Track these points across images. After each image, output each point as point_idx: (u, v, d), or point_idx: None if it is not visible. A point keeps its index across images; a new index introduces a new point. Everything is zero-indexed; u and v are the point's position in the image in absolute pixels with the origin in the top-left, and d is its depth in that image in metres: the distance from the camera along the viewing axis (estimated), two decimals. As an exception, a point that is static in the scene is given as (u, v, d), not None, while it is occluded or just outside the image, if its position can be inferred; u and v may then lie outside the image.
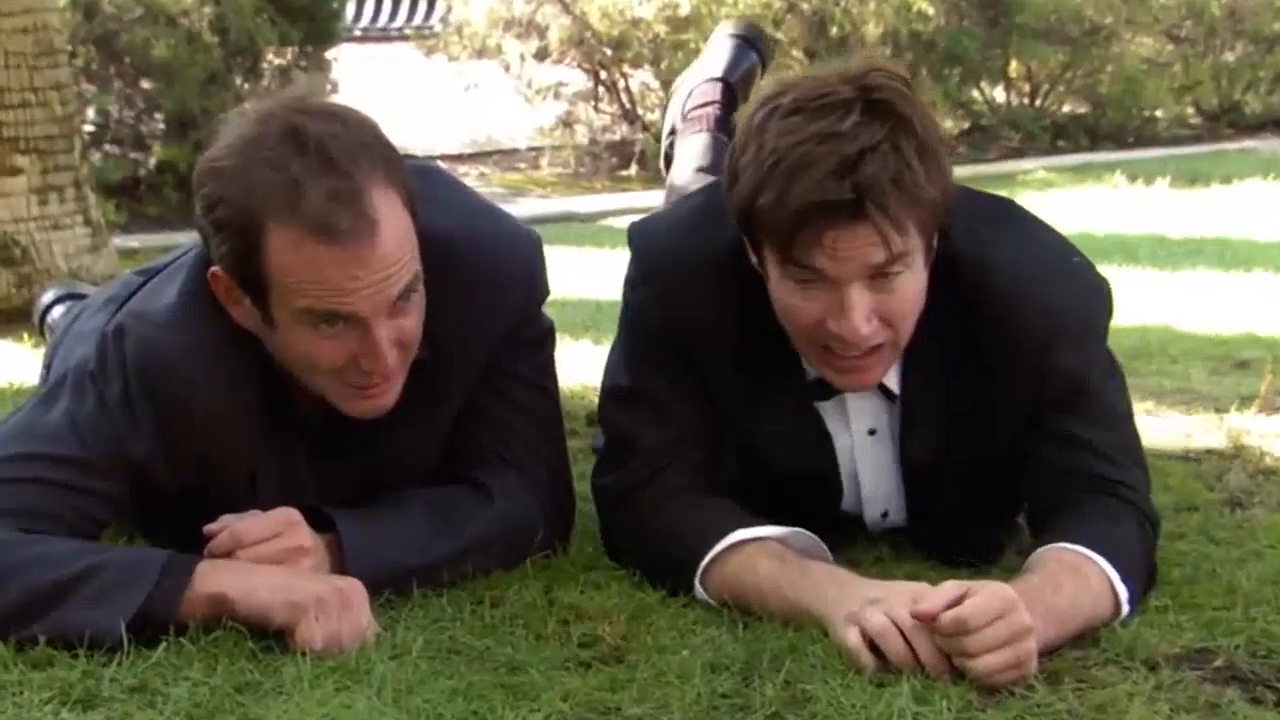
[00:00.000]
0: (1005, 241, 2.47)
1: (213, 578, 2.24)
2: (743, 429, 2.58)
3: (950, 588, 2.16)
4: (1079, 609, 2.30)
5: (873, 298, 2.33)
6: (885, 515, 2.68)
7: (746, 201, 2.32)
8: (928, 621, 2.13)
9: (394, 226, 2.24)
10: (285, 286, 2.24)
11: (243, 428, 2.40)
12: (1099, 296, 2.52)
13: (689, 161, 3.76)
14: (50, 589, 2.21)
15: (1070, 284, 2.49)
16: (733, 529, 2.40)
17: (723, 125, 3.81)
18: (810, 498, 2.63)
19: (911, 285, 2.36)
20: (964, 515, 2.60)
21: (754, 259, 2.42)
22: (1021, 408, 2.49)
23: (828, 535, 2.47)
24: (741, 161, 2.33)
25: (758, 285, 2.44)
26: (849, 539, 2.67)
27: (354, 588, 2.27)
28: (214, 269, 2.31)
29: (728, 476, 2.60)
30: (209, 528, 2.33)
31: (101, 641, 2.18)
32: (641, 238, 2.63)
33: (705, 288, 2.51)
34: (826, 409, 2.57)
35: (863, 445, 2.61)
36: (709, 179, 3.59)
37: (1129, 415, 2.59)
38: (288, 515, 2.36)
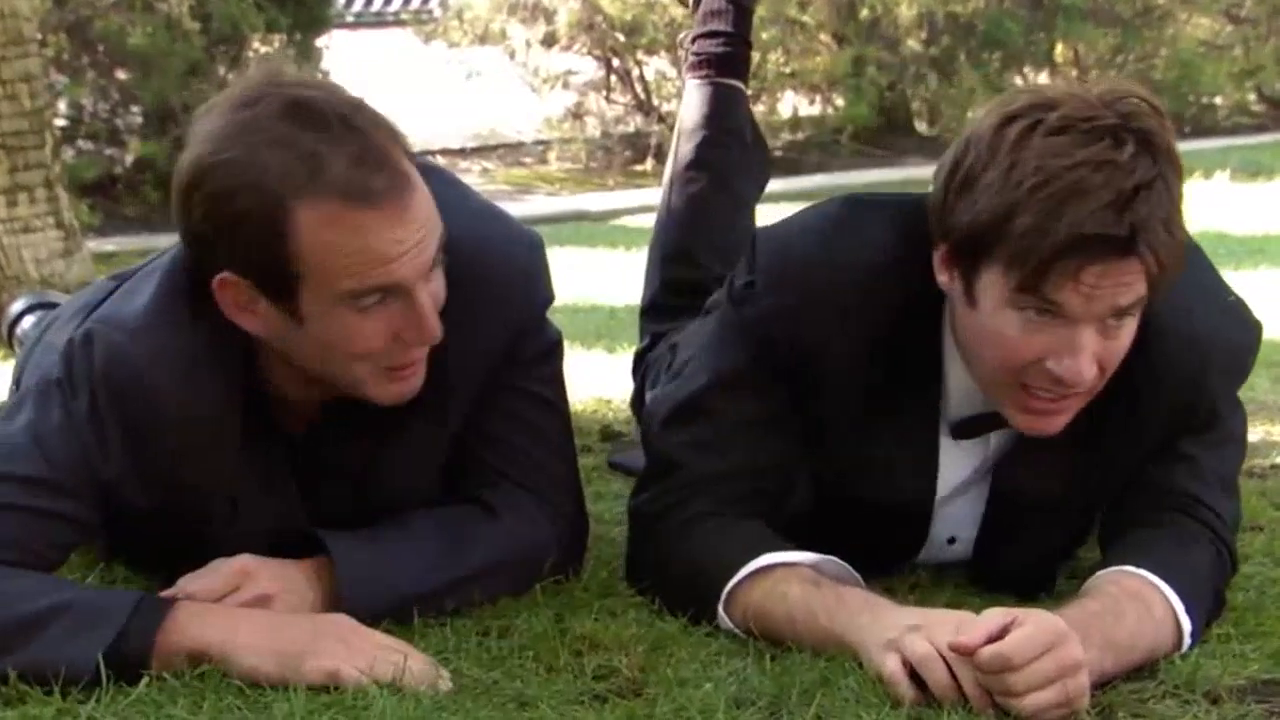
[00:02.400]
0: None
1: (192, 629, 2.23)
2: (842, 458, 2.57)
3: (995, 617, 2.16)
4: (1140, 640, 2.30)
5: (1099, 341, 2.32)
6: (952, 541, 2.67)
7: (988, 222, 2.28)
8: (967, 655, 2.13)
9: (420, 184, 2.26)
10: (323, 269, 2.23)
11: (220, 443, 2.39)
12: (1251, 335, 2.57)
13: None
14: (15, 628, 2.21)
15: (1224, 319, 2.52)
16: (762, 552, 2.40)
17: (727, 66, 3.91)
18: (893, 534, 2.65)
19: (1128, 333, 2.36)
20: (1044, 550, 2.60)
21: (948, 279, 2.39)
22: (1162, 437, 2.50)
23: (887, 571, 2.49)
24: (984, 177, 2.29)
25: (903, 309, 2.45)
26: (887, 568, 2.67)
27: (345, 623, 2.28)
28: (222, 276, 2.29)
29: (796, 508, 2.59)
30: (164, 594, 2.33)
31: (75, 677, 2.19)
32: (769, 245, 2.58)
33: (844, 308, 2.48)
34: (947, 445, 2.57)
35: (968, 482, 2.61)
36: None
37: (1240, 451, 2.63)
38: (242, 565, 2.36)
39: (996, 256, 2.29)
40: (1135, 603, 2.32)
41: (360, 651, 2.22)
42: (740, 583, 2.40)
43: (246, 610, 2.30)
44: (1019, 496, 2.58)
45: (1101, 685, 2.22)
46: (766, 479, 2.56)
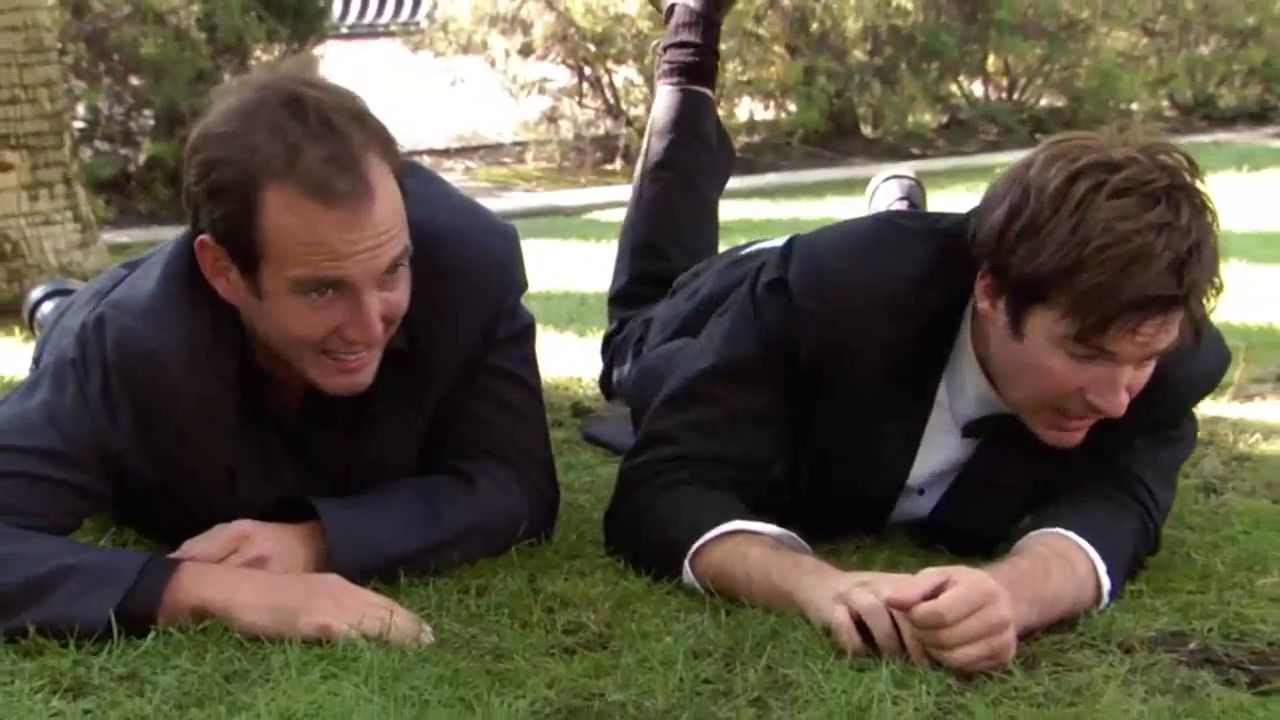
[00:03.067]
0: None
1: (196, 588, 2.24)
2: (827, 450, 2.57)
3: (930, 577, 2.16)
4: (1063, 596, 2.31)
5: (1134, 374, 2.34)
6: (921, 493, 2.66)
7: (1052, 272, 2.27)
8: (904, 610, 2.14)
9: (388, 195, 2.23)
10: (280, 252, 2.21)
11: (220, 421, 2.38)
12: (1225, 364, 2.60)
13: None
14: (22, 589, 2.21)
15: (1210, 350, 2.52)
16: (732, 519, 2.40)
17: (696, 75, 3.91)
18: (852, 515, 2.67)
19: (1148, 374, 2.38)
20: (993, 521, 2.60)
21: (989, 307, 2.38)
22: (1124, 437, 2.50)
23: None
24: (1049, 228, 2.27)
25: (922, 325, 2.45)
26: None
27: (337, 582, 2.28)
28: (202, 238, 2.28)
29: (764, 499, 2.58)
30: (169, 556, 2.33)
31: (89, 631, 2.18)
32: (809, 255, 2.54)
33: (871, 323, 2.46)
34: (940, 438, 2.57)
35: (939, 475, 2.62)
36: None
37: (1186, 449, 2.66)
38: (241, 529, 2.36)
39: (1055, 303, 2.29)
40: (1061, 562, 2.33)
41: (350, 609, 2.22)
42: (707, 543, 2.40)
43: (246, 570, 2.30)
44: (988, 479, 2.59)
45: (1026, 637, 2.23)
46: (750, 471, 2.55)
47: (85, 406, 2.33)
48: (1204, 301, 2.32)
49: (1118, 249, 2.23)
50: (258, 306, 2.30)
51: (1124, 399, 2.34)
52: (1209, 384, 2.61)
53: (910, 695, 2.05)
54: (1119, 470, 2.50)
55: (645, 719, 2.01)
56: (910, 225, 2.58)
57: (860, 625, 2.18)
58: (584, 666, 2.15)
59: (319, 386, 2.36)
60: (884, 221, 2.65)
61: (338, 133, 2.19)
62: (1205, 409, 3.55)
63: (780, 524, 2.41)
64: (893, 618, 2.16)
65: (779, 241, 2.73)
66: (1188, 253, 2.24)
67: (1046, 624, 2.28)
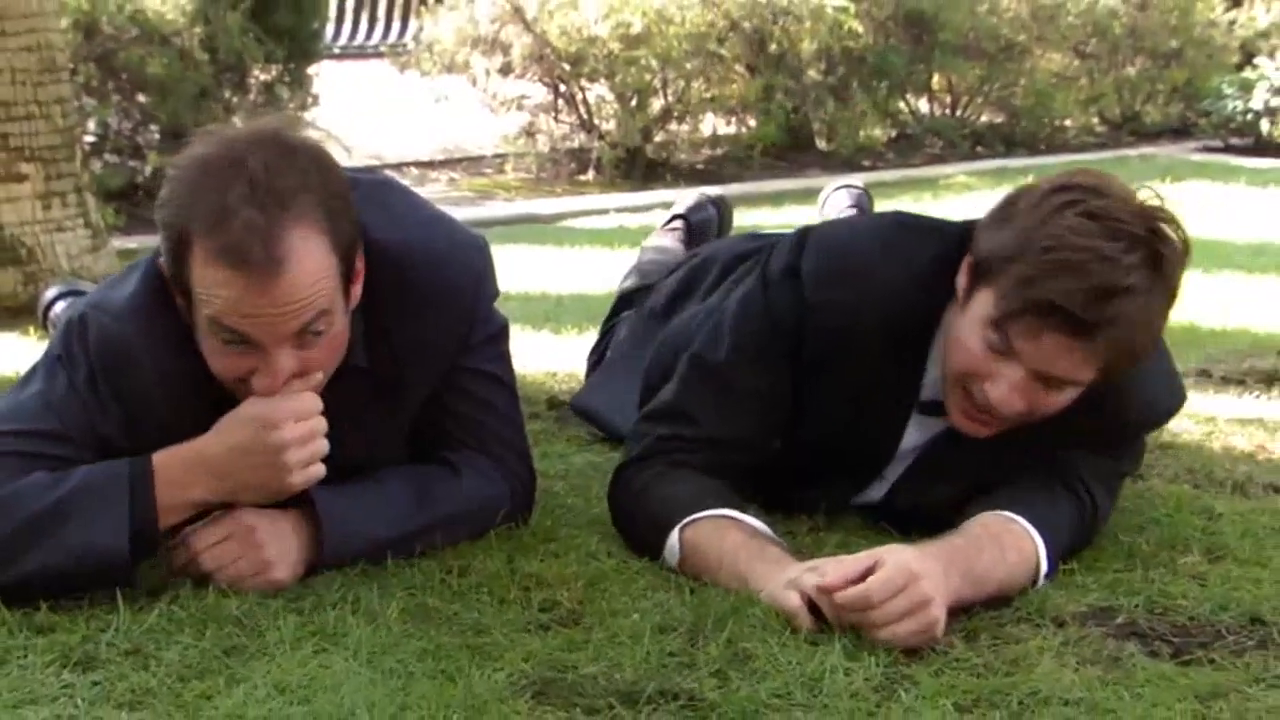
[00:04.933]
0: None
1: (187, 488, 2.28)
2: (825, 425, 2.56)
3: (859, 561, 2.16)
4: (994, 573, 2.31)
5: (1035, 390, 2.32)
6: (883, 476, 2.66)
7: (999, 255, 2.29)
8: (829, 595, 2.14)
9: (306, 268, 2.19)
10: (200, 296, 2.21)
11: (198, 409, 2.35)
12: (1178, 402, 2.59)
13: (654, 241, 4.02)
14: (25, 527, 2.21)
15: (1164, 390, 2.54)
16: (722, 506, 2.41)
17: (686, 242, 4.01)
18: (840, 480, 2.65)
19: (1065, 399, 2.35)
20: (939, 506, 2.57)
21: (964, 282, 2.38)
22: (1071, 446, 2.49)
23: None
24: (1018, 220, 2.29)
25: (919, 317, 2.44)
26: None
27: (259, 415, 2.27)
28: (160, 261, 2.30)
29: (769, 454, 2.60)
30: (170, 544, 2.33)
31: (109, 564, 2.21)
32: (825, 247, 2.53)
33: (879, 315, 2.45)
34: (917, 419, 2.56)
35: (903, 456, 2.60)
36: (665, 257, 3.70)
37: (1132, 466, 2.66)
38: (236, 517, 2.34)
39: (994, 284, 2.30)
40: (994, 542, 2.33)
41: (311, 447, 2.29)
42: (696, 520, 2.40)
43: (209, 451, 2.29)
44: (940, 463, 2.58)
45: (962, 611, 2.23)
46: (754, 450, 2.56)
47: (76, 396, 2.33)
48: (1119, 354, 2.27)
49: (1055, 254, 2.23)
50: (197, 333, 2.29)
51: (1010, 402, 2.32)
52: (1156, 421, 2.62)
53: (860, 667, 2.06)
54: (1062, 466, 2.48)
55: (614, 690, 2.01)
56: (918, 224, 2.58)
57: (812, 606, 2.18)
58: (558, 641, 2.15)
59: None
60: (893, 221, 2.63)
61: (264, 203, 2.16)
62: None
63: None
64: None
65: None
66: (1120, 291, 2.21)
67: (982, 599, 2.29)
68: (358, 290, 2.33)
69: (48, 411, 2.33)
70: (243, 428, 2.27)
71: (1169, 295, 2.29)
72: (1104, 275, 2.21)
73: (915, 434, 2.58)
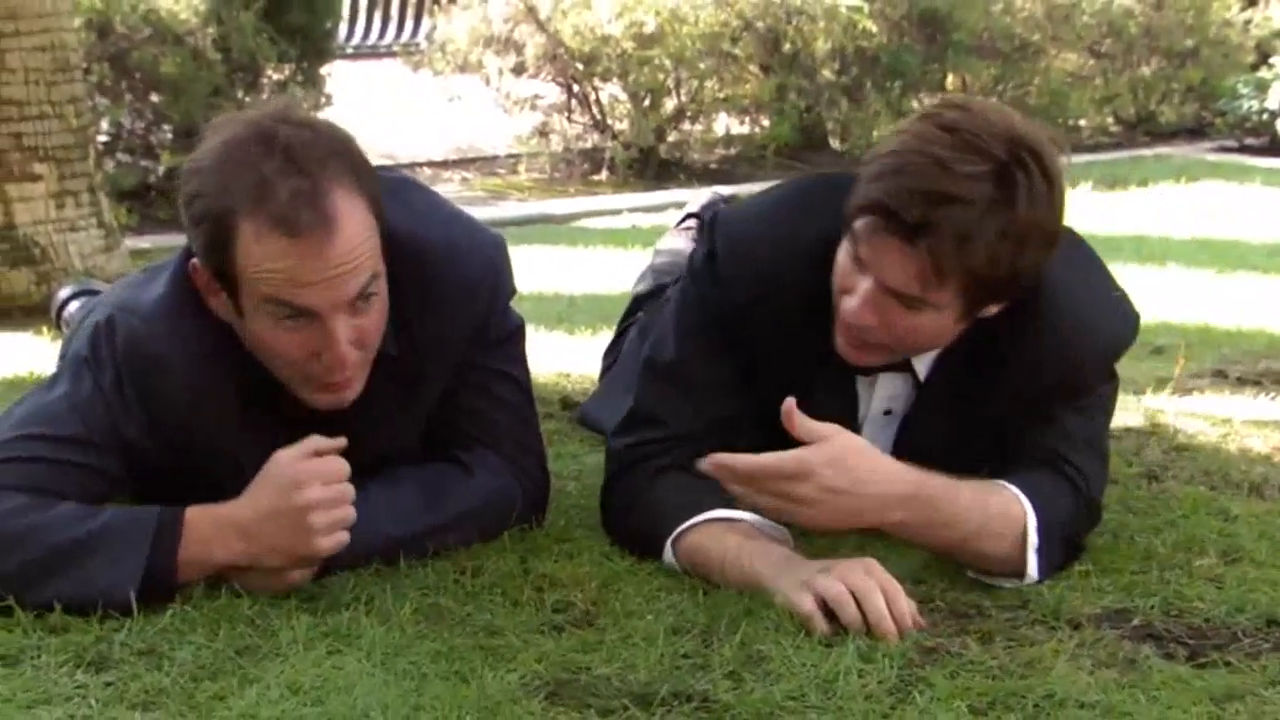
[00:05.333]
0: (1062, 267, 2.41)
1: (211, 548, 2.25)
2: (779, 400, 2.55)
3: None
4: (969, 515, 2.30)
5: (891, 307, 2.29)
6: (889, 412, 2.64)
7: (860, 168, 2.30)
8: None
9: (354, 227, 2.22)
10: (251, 277, 2.22)
11: (224, 415, 2.37)
12: (1128, 325, 2.53)
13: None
14: (51, 555, 2.20)
15: (1109, 312, 2.49)
16: (715, 507, 2.40)
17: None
18: None
19: (929, 323, 2.32)
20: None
21: None
22: (1030, 405, 2.47)
23: None
24: (886, 140, 2.30)
25: (829, 273, 2.40)
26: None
27: (300, 473, 2.27)
28: (193, 261, 2.30)
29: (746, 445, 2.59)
30: None
31: (114, 603, 2.19)
32: (725, 224, 2.56)
33: (781, 274, 2.45)
34: (862, 384, 2.55)
35: (875, 421, 2.58)
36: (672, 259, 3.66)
37: (1106, 416, 2.58)
38: None
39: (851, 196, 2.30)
40: (977, 494, 2.31)
41: (336, 514, 2.27)
42: (691, 527, 2.39)
43: (242, 512, 2.27)
44: (917, 448, 2.56)
45: (979, 612, 2.23)
46: (727, 434, 2.54)
47: (101, 398, 2.33)
48: (951, 266, 2.21)
49: (896, 157, 2.23)
50: (243, 325, 2.30)
51: (865, 315, 2.29)
52: (1112, 348, 2.52)
53: (874, 669, 2.05)
54: (1041, 449, 2.45)
55: (628, 691, 2.01)
56: (819, 184, 2.56)
57: (826, 609, 2.17)
58: (571, 642, 2.15)
59: (306, 403, 2.35)
60: (794, 185, 2.63)
61: (304, 169, 2.18)
62: (1147, 402, 3.57)
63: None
64: (857, 601, 2.16)
65: None
66: (947, 198, 2.17)
67: (954, 544, 2.31)
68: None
69: (72, 414, 2.33)
70: (270, 489, 2.27)
71: (1023, 222, 2.21)
72: (933, 179, 2.19)
73: (879, 398, 2.56)
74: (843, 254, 2.34)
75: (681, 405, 2.54)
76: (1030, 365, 2.42)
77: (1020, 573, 2.35)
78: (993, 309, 2.36)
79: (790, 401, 2.22)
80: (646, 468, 2.52)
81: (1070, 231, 2.51)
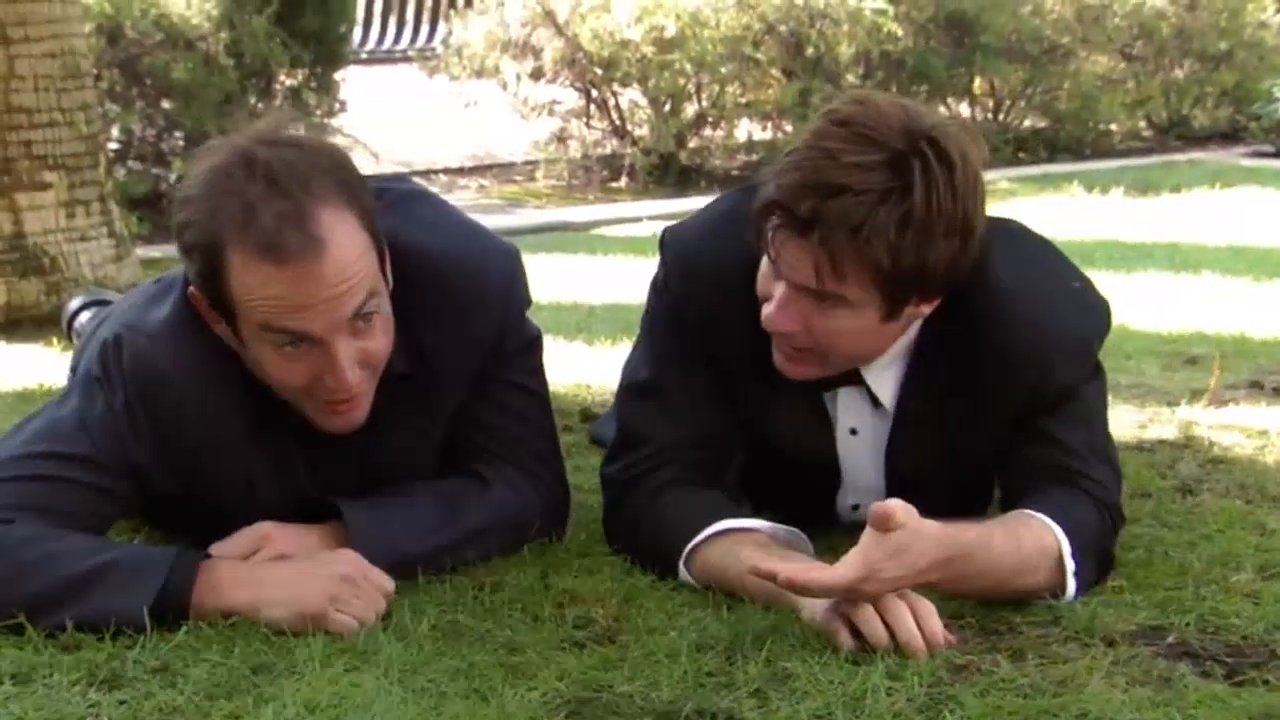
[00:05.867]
0: (1010, 265, 2.41)
1: (224, 590, 2.24)
2: (758, 417, 2.56)
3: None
4: (1004, 560, 2.28)
5: (810, 309, 2.30)
6: (855, 508, 2.67)
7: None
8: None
9: (344, 246, 2.21)
10: (246, 306, 2.22)
11: (235, 435, 2.39)
12: (1095, 316, 2.51)
13: None
14: (62, 585, 2.21)
15: (1068, 306, 2.47)
16: (722, 518, 2.39)
17: None
18: (812, 483, 2.63)
19: (850, 324, 2.32)
20: (941, 514, 2.58)
21: None
22: (1014, 416, 2.46)
23: (814, 522, 2.48)
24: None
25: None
26: (828, 526, 2.66)
27: (353, 564, 2.28)
28: (192, 290, 2.31)
29: (740, 461, 2.59)
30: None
31: (125, 625, 2.19)
32: (672, 241, 2.59)
33: (730, 288, 2.46)
34: (828, 401, 2.55)
35: (845, 441, 2.59)
36: None
37: (1102, 417, 2.56)
38: (263, 530, 2.36)
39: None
40: (1008, 534, 2.30)
41: (357, 608, 2.23)
42: (700, 543, 2.39)
43: (268, 566, 2.30)
44: (905, 474, 2.56)
45: (1009, 629, 2.22)
46: (715, 443, 2.55)
47: (112, 418, 2.34)
48: (845, 257, 2.21)
49: (792, 155, 2.25)
50: (246, 352, 2.31)
51: (784, 320, 2.30)
52: (1079, 346, 2.47)
53: (903, 686, 2.05)
54: (1051, 468, 2.44)
55: (651, 710, 2.01)
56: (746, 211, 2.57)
57: (853, 626, 2.17)
58: (593, 659, 2.15)
59: (318, 426, 2.36)
60: (735, 197, 2.61)
61: (286, 191, 2.18)
62: (1181, 414, 3.56)
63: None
64: (882, 616, 2.16)
65: None
66: (837, 189, 2.18)
67: (982, 593, 2.29)
68: (388, 275, 2.34)
69: (82, 433, 2.34)
70: (325, 558, 2.31)
71: (916, 200, 2.20)
72: (823, 171, 2.20)
73: (842, 416, 2.56)
74: (764, 262, 2.35)
75: (663, 419, 2.55)
76: (997, 377, 2.42)
77: (1059, 594, 2.35)
78: (924, 308, 2.37)
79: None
80: (642, 490, 2.53)
81: (1011, 224, 2.52)
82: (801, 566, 2.17)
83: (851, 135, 2.22)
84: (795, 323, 2.32)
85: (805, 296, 2.29)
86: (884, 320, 2.34)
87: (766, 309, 2.34)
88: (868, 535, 2.13)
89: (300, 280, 2.18)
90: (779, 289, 2.31)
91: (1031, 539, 2.31)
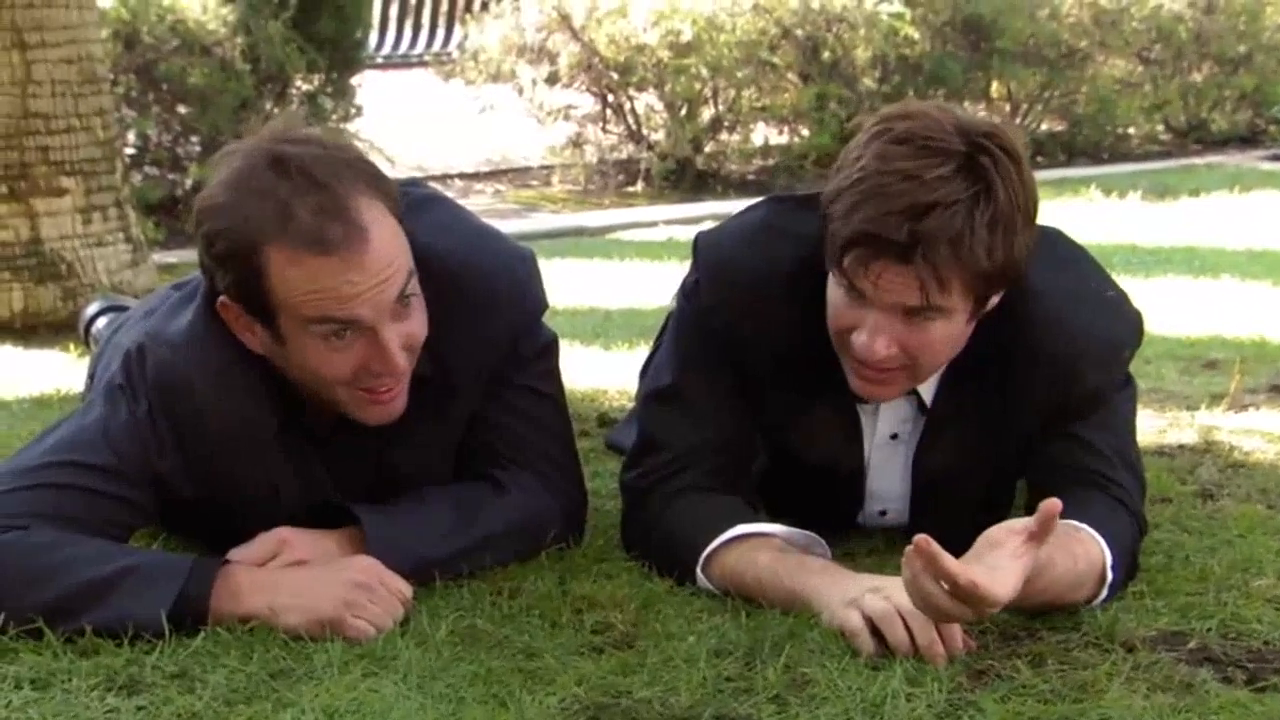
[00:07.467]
0: (1045, 266, 2.42)
1: (242, 596, 2.24)
2: (783, 426, 2.56)
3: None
4: (1063, 579, 2.27)
5: (902, 329, 2.30)
6: (884, 514, 2.67)
7: (826, 203, 2.30)
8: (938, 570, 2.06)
9: (383, 232, 2.25)
10: (292, 303, 2.24)
11: (258, 443, 2.40)
12: (1127, 324, 2.52)
13: None
14: (85, 588, 2.21)
15: (1100, 310, 2.48)
16: (738, 523, 2.39)
17: None
18: (834, 493, 2.63)
19: (943, 332, 2.33)
20: (967, 515, 2.58)
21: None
22: (1043, 418, 2.47)
23: (832, 530, 2.47)
24: (842, 168, 2.30)
25: (813, 296, 2.41)
26: (845, 533, 2.66)
27: (370, 570, 2.28)
28: (222, 299, 2.32)
29: (759, 469, 2.59)
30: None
31: (143, 629, 2.19)
32: (706, 248, 2.58)
33: (764, 298, 2.47)
34: (864, 410, 2.56)
35: (881, 447, 2.59)
36: None
37: (1131, 427, 2.58)
38: (281, 536, 2.37)
39: (827, 236, 2.30)
40: (1064, 551, 2.26)
41: (374, 614, 2.24)
42: (717, 549, 2.39)
43: (285, 573, 2.31)
44: (934, 473, 2.57)
45: (1030, 635, 2.22)
46: (735, 449, 2.56)
47: (135, 426, 2.35)
48: (950, 269, 2.22)
49: (863, 184, 2.23)
50: (284, 354, 2.32)
51: (879, 347, 2.30)
52: (1111, 353, 2.50)
53: (923, 692, 2.05)
54: (1080, 471, 2.44)
55: (670, 715, 2.01)
56: (793, 204, 2.57)
57: (874, 629, 2.17)
58: (611, 665, 2.15)
59: (356, 419, 2.37)
60: (771, 207, 2.62)
61: (322, 183, 2.21)
62: (1201, 419, 3.55)
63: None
64: (904, 620, 2.16)
65: None
66: (927, 206, 2.19)
67: (1035, 609, 2.28)
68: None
69: (105, 443, 2.34)
70: (342, 564, 2.31)
71: (998, 196, 2.23)
72: (909, 194, 2.20)
73: (884, 422, 2.57)
74: (835, 294, 2.35)
75: (683, 425, 2.55)
76: (1027, 376, 2.43)
77: (1092, 601, 2.35)
78: (995, 300, 2.37)
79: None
80: (658, 496, 2.53)
81: (1049, 230, 2.52)
82: (983, 569, 2.10)
83: (917, 151, 2.22)
84: (893, 347, 2.32)
85: (898, 317, 2.30)
86: (969, 321, 2.36)
87: (858, 338, 2.32)
88: (985, 546, 2.11)
89: (347, 269, 2.21)
90: (870, 317, 2.31)
91: (1084, 555, 2.31)
